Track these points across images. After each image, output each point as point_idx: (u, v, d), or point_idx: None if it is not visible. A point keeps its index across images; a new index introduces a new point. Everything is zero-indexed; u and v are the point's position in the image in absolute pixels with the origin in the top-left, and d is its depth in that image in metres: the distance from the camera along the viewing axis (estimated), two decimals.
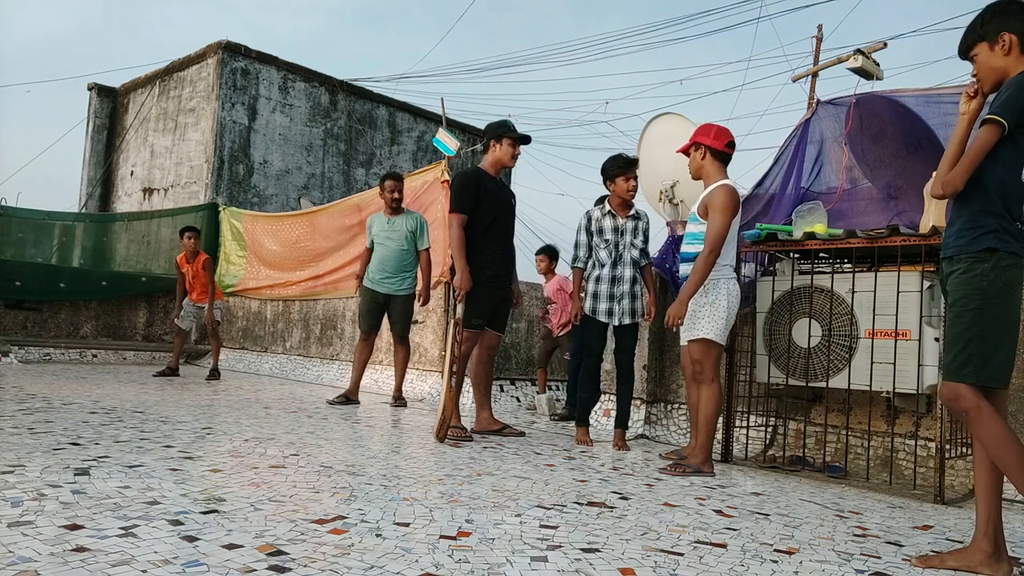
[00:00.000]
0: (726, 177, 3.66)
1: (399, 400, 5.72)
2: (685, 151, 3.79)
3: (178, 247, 10.04)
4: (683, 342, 3.77)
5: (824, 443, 3.99)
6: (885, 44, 10.87)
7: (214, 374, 7.12)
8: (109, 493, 2.37)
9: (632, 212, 4.36)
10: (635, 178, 4.32)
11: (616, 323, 4.27)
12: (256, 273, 9.33)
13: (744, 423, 4.14)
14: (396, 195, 5.74)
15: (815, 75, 12.34)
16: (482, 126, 14.99)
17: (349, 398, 5.64)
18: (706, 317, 3.56)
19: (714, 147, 3.65)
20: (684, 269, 3.72)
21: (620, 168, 4.30)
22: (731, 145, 3.69)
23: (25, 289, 8.79)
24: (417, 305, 5.91)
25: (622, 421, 4.29)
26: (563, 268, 6.48)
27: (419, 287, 5.79)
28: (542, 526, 2.33)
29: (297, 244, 8.84)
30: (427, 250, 5.82)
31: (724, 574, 1.98)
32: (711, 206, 3.54)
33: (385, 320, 5.83)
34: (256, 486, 2.61)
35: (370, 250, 5.84)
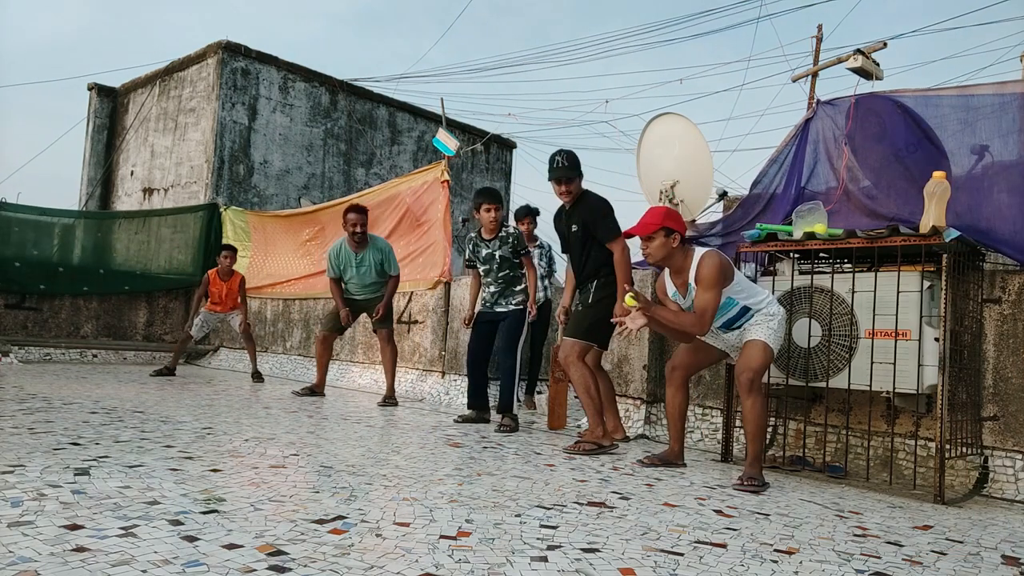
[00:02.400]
0: (694, 250, 3.53)
1: (390, 400, 5.69)
2: (648, 234, 3.53)
3: (178, 247, 10.08)
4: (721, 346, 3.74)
5: (824, 443, 3.99)
6: (885, 44, 10.89)
7: (257, 377, 7.11)
8: (109, 493, 2.37)
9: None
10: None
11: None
12: (258, 272, 9.33)
13: None
14: (358, 229, 5.68)
15: (815, 75, 12.36)
16: (482, 126, 15.02)
17: (314, 391, 5.79)
18: (774, 330, 3.48)
19: (683, 233, 3.53)
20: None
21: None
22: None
23: (23, 277, 8.79)
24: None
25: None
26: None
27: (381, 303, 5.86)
28: (542, 526, 2.33)
29: (305, 242, 8.86)
30: (395, 276, 5.89)
31: (724, 574, 1.98)
32: (702, 283, 3.40)
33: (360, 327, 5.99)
34: (256, 486, 2.61)
35: (334, 280, 5.87)
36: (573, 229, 4.31)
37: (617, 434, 4.51)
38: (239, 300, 7.22)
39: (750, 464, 3.41)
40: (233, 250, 7.32)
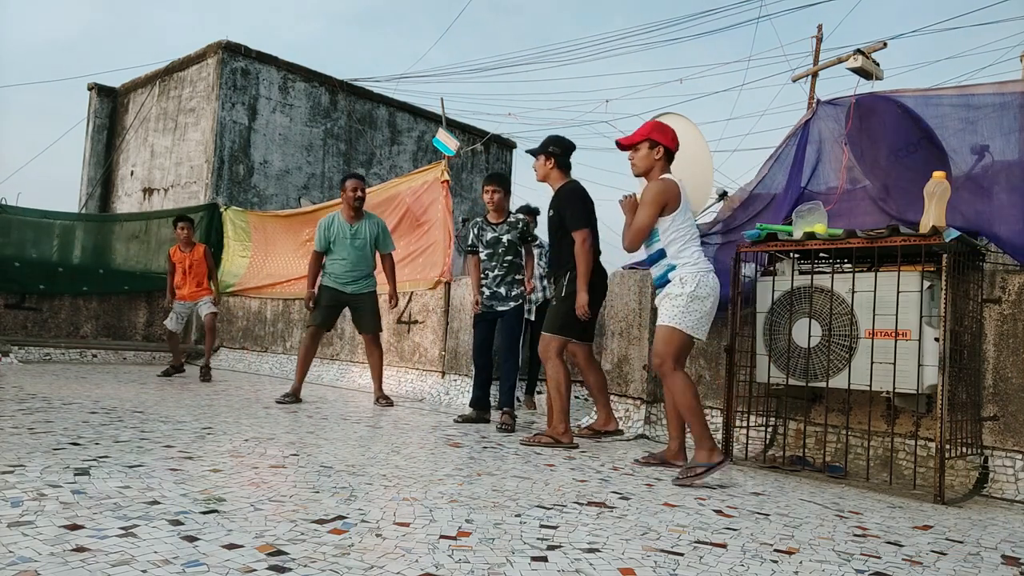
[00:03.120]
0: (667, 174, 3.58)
1: (384, 399, 5.62)
2: (633, 144, 3.62)
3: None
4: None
5: (824, 443, 3.99)
6: (885, 44, 10.90)
7: (206, 373, 6.86)
8: (109, 493, 2.37)
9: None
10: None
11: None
12: (258, 272, 9.34)
13: (744, 423, 4.14)
14: (360, 194, 5.59)
15: (815, 75, 12.37)
16: (482, 126, 15.02)
17: (296, 397, 5.46)
18: (680, 307, 3.41)
19: (672, 148, 3.60)
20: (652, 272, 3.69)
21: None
22: (678, 145, 3.66)
23: (23, 277, 8.78)
24: (387, 306, 5.86)
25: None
26: None
27: (388, 291, 5.74)
28: (542, 526, 2.33)
29: (305, 242, 8.86)
30: (390, 254, 5.77)
31: (724, 574, 1.98)
32: (640, 200, 3.50)
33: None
34: (256, 486, 2.61)
35: (321, 253, 5.67)
36: (550, 215, 4.37)
37: (609, 426, 4.51)
38: (204, 275, 7.06)
39: (697, 448, 3.35)
40: (189, 220, 7.22)
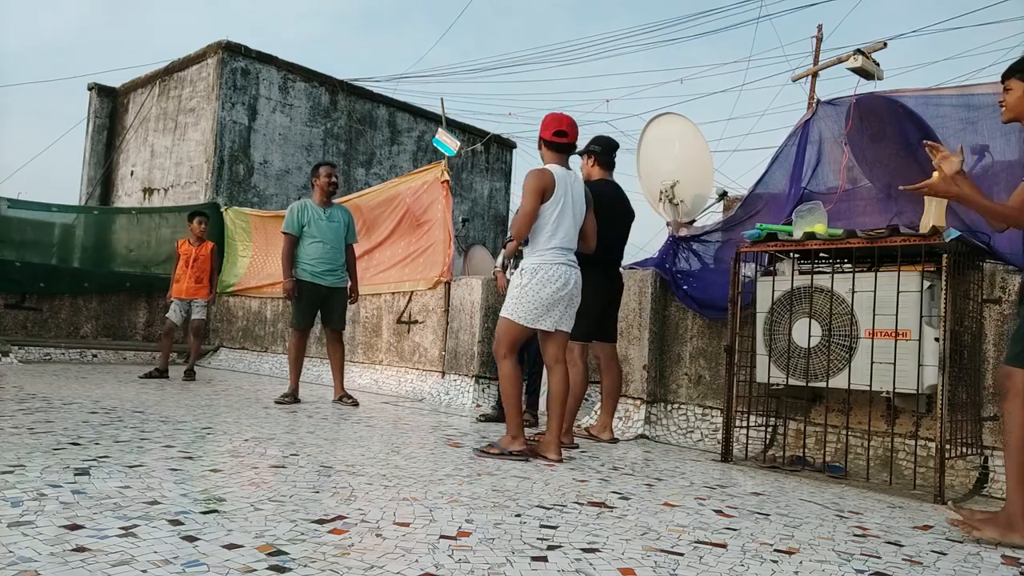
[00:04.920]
0: (554, 164, 3.66)
1: (348, 398, 5.51)
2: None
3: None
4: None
5: (824, 443, 3.99)
6: (885, 44, 10.90)
7: (190, 375, 6.79)
8: (109, 493, 2.37)
9: None
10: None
11: None
12: (259, 272, 9.33)
13: (744, 423, 4.14)
14: (334, 179, 5.60)
15: (815, 75, 12.37)
16: (482, 126, 15.02)
17: (295, 397, 5.43)
18: (513, 298, 3.58)
19: (547, 138, 3.69)
20: None
21: None
22: (559, 134, 3.66)
23: (23, 276, 8.78)
24: (350, 302, 5.80)
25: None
26: None
27: (350, 284, 5.70)
28: (542, 526, 2.33)
29: None
30: (352, 247, 5.75)
31: (724, 574, 1.98)
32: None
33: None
34: (256, 486, 2.61)
35: (295, 238, 5.51)
36: None
37: (604, 435, 4.50)
38: (206, 272, 7.01)
39: (506, 432, 3.62)
40: (206, 216, 7.23)
